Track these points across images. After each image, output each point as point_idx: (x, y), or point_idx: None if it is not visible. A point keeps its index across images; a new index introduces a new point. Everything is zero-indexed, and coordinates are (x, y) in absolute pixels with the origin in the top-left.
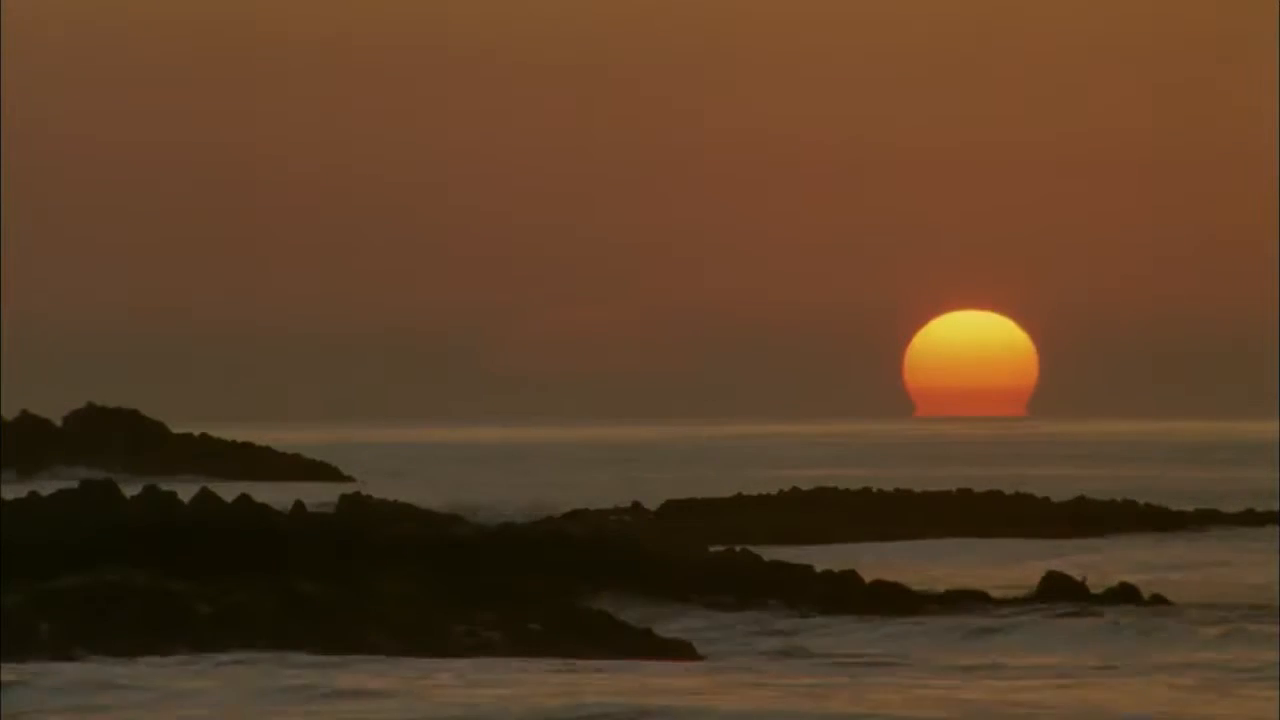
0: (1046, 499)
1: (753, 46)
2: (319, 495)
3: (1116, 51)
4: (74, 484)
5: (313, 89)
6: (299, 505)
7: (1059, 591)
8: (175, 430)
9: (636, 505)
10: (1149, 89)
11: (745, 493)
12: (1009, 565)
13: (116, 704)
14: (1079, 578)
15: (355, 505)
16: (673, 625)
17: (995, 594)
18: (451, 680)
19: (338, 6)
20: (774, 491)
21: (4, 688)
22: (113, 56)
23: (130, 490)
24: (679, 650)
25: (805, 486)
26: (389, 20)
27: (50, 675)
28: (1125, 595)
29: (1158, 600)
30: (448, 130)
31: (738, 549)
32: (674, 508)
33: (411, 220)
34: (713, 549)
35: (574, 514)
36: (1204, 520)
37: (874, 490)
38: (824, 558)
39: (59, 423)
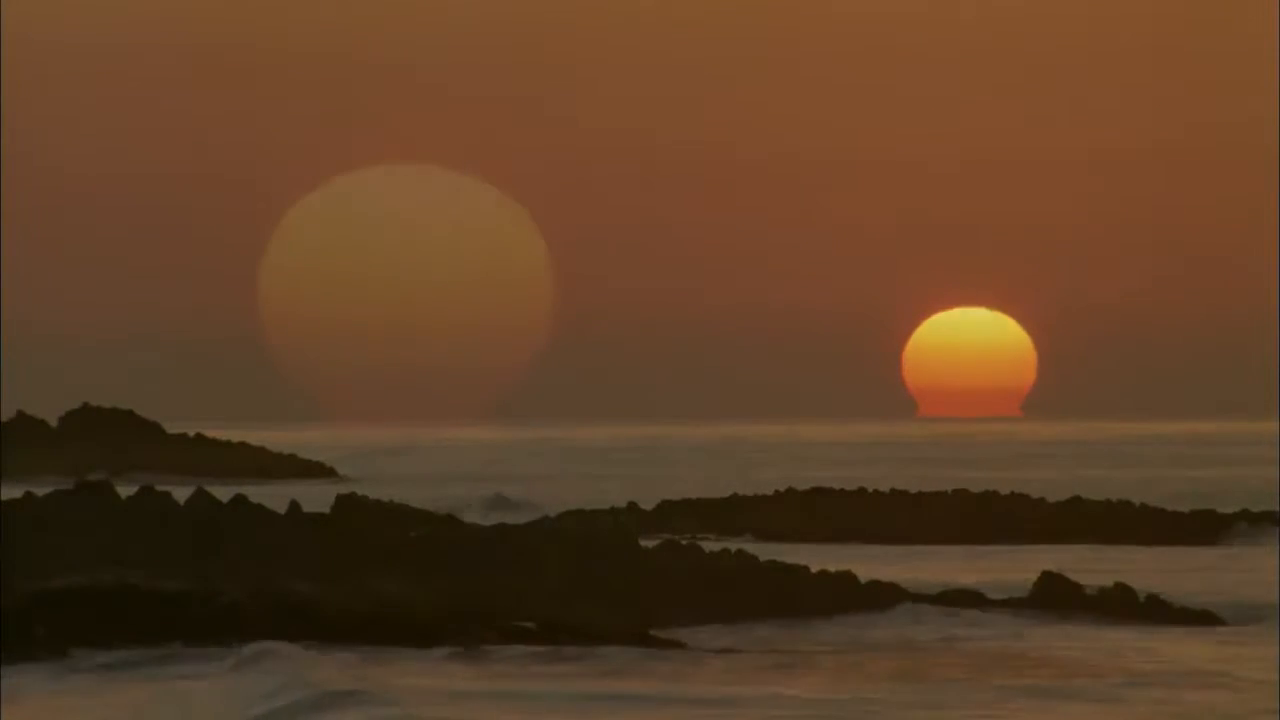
0: (1042, 499)
1: (753, 47)
2: (315, 496)
3: (1117, 53)
4: (69, 485)
5: (310, 95)
6: (294, 506)
7: (1055, 592)
8: (170, 431)
9: (633, 505)
10: (1149, 90)
11: (741, 493)
12: (1005, 565)
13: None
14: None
15: (351, 506)
16: (671, 626)
17: (991, 594)
18: (448, 681)
19: (337, 15)
20: (769, 492)
21: (2, 686)
22: (111, 67)
23: (125, 491)
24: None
25: (801, 487)
26: (385, 26)
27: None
28: (1121, 596)
29: (1154, 601)
30: (448, 134)
31: (733, 550)
32: (670, 508)
33: (407, 220)
34: (709, 550)
35: (570, 514)
36: (1201, 521)
37: (870, 491)
38: (820, 558)
39: (54, 423)
